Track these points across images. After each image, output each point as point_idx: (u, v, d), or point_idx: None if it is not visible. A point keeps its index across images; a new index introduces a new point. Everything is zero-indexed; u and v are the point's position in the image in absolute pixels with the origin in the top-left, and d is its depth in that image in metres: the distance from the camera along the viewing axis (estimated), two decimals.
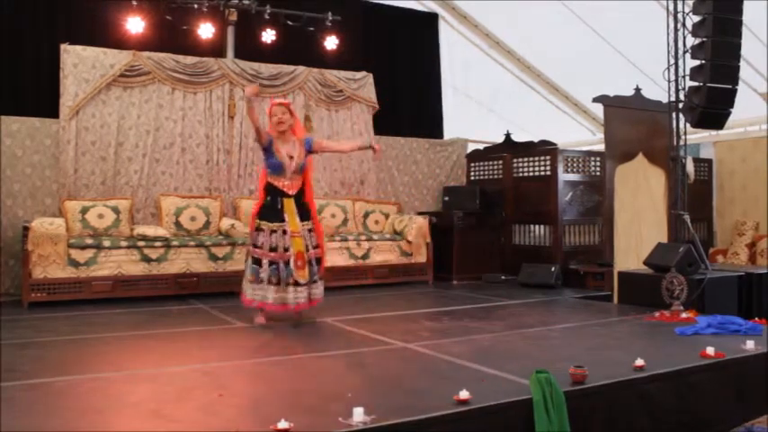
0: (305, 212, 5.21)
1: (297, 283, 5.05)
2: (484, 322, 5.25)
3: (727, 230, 9.22)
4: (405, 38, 9.44)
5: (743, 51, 6.14)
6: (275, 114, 5.11)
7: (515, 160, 8.63)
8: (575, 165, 8.09)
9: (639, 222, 7.28)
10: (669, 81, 6.35)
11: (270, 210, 5.09)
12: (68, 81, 6.93)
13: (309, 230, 5.21)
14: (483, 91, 10.25)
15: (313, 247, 5.21)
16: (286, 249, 5.04)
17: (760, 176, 8.71)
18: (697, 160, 9.02)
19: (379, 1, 9.25)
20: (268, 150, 5.09)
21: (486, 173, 9.17)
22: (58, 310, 5.73)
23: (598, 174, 8.05)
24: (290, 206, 5.10)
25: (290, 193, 5.12)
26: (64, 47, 6.94)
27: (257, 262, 5.06)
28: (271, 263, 5.03)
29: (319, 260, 5.29)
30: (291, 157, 5.10)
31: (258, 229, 5.09)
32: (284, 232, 5.06)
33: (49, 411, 2.89)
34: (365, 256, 7.57)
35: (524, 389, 3.05)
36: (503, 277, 8.16)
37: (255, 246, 5.09)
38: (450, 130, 9.77)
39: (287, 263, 5.04)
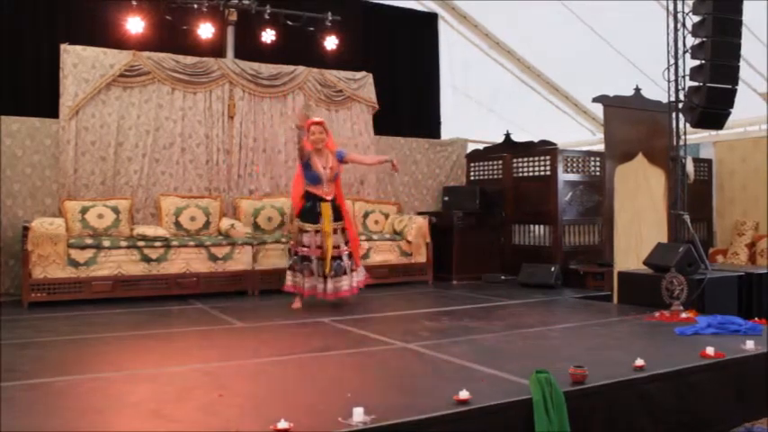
0: (338, 213, 6.01)
1: (326, 275, 5.86)
2: (484, 322, 5.25)
3: (727, 230, 9.22)
4: (404, 38, 9.44)
5: (743, 51, 6.14)
6: (314, 133, 5.86)
7: (515, 160, 8.63)
8: (574, 165, 8.09)
9: (639, 222, 7.28)
10: (669, 81, 6.34)
11: (310, 213, 5.87)
12: (68, 81, 6.93)
13: (342, 229, 6.00)
14: (483, 91, 10.25)
15: (344, 243, 5.97)
16: (318, 246, 5.85)
17: (760, 176, 8.71)
18: (697, 160, 9.02)
19: (379, 1, 9.25)
20: (306, 165, 5.85)
21: (486, 173, 9.17)
22: (58, 310, 5.73)
23: (598, 174, 8.05)
24: (326, 210, 5.87)
25: (328, 198, 5.92)
26: (64, 47, 6.94)
27: (298, 256, 5.88)
28: (307, 257, 5.84)
29: (350, 255, 6.03)
30: (325, 168, 5.89)
31: (303, 231, 5.88)
32: (316, 232, 5.86)
33: (49, 411, 2.89)
34: (365, 256, 7.55)
35: (524, 389, 3.05)
36: (503, 277, 8.16)
37: (300, 244, 5.88)
38: (450, 130, 9.77)
39: (319, 258, 5.84)
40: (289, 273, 5.98)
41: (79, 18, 7.31)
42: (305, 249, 5.84)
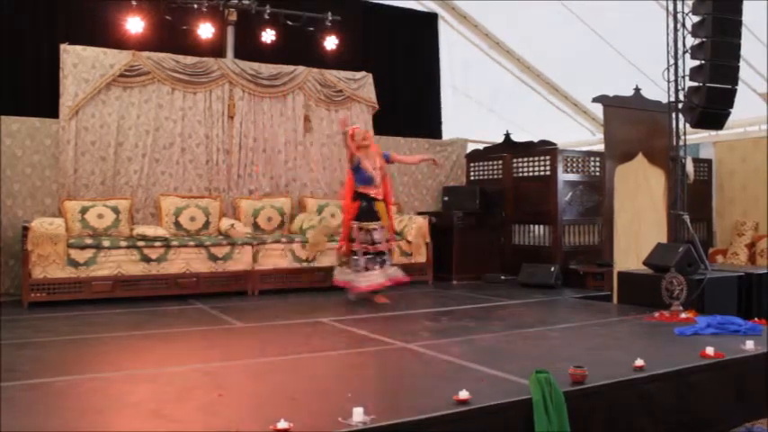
0: (385, 212, 6.36)
1: (381, 265, 6.20)
2: (484, 322, 5.25)
3: (727, 230, 9.22)
4: (404, 38, 9.44)
5: (743, 51, 6.14)
6: (359, 134, 6.22)
7: (515, 160, 8.63)
8: (574, 165, 8.09)
9: (639, 222, 7.28)
10: (669, 81, 6.34)
11: (367, 213, 6.18)
12: (68, 81, 6.93)
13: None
14: (483, 91, 10.25)
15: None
16: (373, 243, 6.13)
17: (760, 176, 8.71)
18: (697, 160, 9.01)
19: (379, 1, 9.25)
20: (357, 168, 6.15)
21: (486, 173, 9.16)
22: (57, 310, 5.73)
23: (598, 174, 8.05)
24: (381, 207, 6.26)
25: (380, 197, 6.28)
26: (64, 47, 6.94)
27: (356, 254, 6.15)
28: (365, 253, 6.11)
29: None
30: (375, 169, 6.22)
31: (360, 229, 6.16)
32: (374, 229, 6.15)
33: (49, 411, 2.89)
34: None
35: (524, 389, 3.05)
36: (503, 277, 8.16)
37: (356, 241, 6.15)
38: (450, 130, 9.77)
39: (377, 252, 6.14)
40: (340, 270, 6.35)
41: (79, 18, 7.31)
42: (369, 246, 6.13)
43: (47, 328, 4.96)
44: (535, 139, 8.83)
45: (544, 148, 8.39)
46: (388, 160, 6.49)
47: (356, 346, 4.38)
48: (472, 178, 9.41)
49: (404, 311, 5.93)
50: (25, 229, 6.10)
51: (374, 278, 6.14)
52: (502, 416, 2.92)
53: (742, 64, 6.25)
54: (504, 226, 8.65)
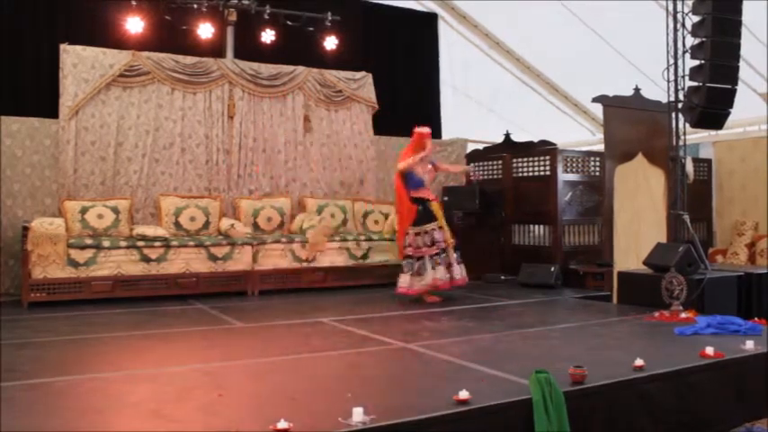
0: (440, 212, 6.51)
1: (449, 265, 6.32)
2: (484, 322, 5.25)
3: (727, 230, 9.22)
4: (404, 38, 9.44)
5: (743, 51, 6.14)
6: (428, 144, 6.41)
7: (515, 160, 8.62)
8: (574, 165, 8.08)
9: (639, 222, 7.28)
10: (668, 81, 6.35)
11: (425, 215, 6.34)
12: (68, 81, 6.93)
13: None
14: (483, 91, 10.25)
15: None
16: (433, 243, 6.25)
17: (759, 176, 8.71)
18: (696, 160, 9.00)
19: (379, 1, 9.25)
20: (410, 174, 6.36)
21: (486, 173, 9.16)
22: (57, 310, 5.73)
23: (598, 174, 8.04)
24: (436, 207, 6.46)
25: (432, 199, 6.52)
26: (63, 47, 6.94)
27: (419, 258, 6.25)
28: (420, 257, 6.25)
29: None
30: (426, 173, 6.47)
31: (417, 234, 6.29)
32: (433, 230, 6.29)
33: (49, 411, 2.89)
34: (365, 257, 7.56)
35: (524, 389, 3.06)
36: (503, 277, 8.15)
37: (417, 246, 6.26)
38: (450, 129, 9.76)
39: (437, 253, 6.25)
40: (405, 277, 6.29)
41: (79, 18, 7.31)
42: (433, 248, 6.25)
43: (47, 328, 4.96)
44: (535, 139, 8.82)
45: (544, 148, 8.38)
46: (434, 167, 6.69)
47: (356, 346, 4.37)
48: (472, 178, 9.40)
49: (404, 311, 5.93)
50: (25, 229, 6.11)
51: (430, 279, 6.25)
52: (502, 416, 2.92)
53: (742, 64, 6.25)
54: (504, 226, 8.64)
